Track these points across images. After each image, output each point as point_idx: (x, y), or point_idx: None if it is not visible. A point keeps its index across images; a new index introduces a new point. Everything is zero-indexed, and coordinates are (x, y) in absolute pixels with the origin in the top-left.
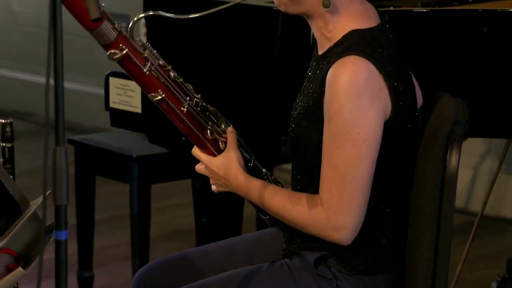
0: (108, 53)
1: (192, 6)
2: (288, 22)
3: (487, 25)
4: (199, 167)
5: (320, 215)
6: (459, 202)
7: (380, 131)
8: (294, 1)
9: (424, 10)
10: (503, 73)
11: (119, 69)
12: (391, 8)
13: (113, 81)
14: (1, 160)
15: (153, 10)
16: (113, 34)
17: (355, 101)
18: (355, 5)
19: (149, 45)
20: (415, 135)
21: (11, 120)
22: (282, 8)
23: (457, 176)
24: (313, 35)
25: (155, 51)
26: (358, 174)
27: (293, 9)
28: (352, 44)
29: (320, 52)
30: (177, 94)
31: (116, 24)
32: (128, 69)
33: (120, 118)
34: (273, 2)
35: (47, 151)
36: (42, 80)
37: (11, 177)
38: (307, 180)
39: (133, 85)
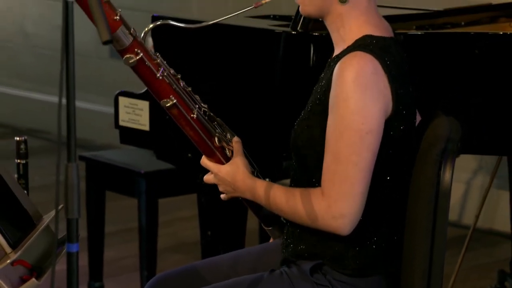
0: (124, 58)
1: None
2: (289, 44)
3: (479, 47)
4: (207, 177)
5: (321, 204)
6: (453, 215)
7: (382, 126)
8: (313, 1)
9: (419, 33)
10: (494, 93)
11: (128, 89)
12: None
13: (122, 100)
14: (16, 175)
15: (157, 39)
16: (129, 39)
17: (362, 93)
18: (371, 14)
19: (159, 55)
20: (411, 145)
21: (26, 137)
22: (305, 9)
23: (450, 190)
24: (313, 56)
25: (165, 62)
26: (360, 163)
27: (314, 8)
28: (363, 45)
29: (334, 55)
30: (187, 101)
31: (132, 30)
32: (142, 74)
33: (129, 135)
34: (275, 25)
35: (60, 167)
36: (55, 99)
37: (25, 191)
38: (304, 175)
39: (142, 104)
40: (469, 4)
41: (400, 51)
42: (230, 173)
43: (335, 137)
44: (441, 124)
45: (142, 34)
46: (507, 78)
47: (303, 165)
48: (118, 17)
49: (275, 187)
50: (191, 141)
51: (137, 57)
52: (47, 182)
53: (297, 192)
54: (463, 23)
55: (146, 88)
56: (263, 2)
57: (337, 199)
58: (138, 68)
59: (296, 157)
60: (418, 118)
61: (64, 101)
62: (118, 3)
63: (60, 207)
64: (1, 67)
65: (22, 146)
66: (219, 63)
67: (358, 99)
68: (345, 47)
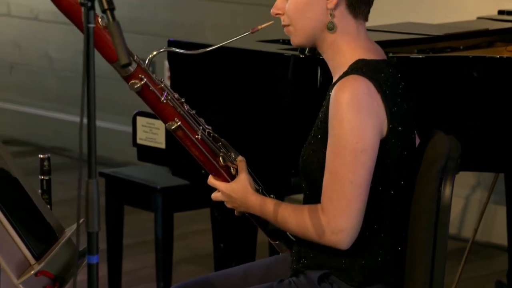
0: (129, 83)
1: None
2: (298, 67)
3: (477, 70)
4: (215, 195)
5: (320, 220)
6: (452, 229)
7: (377, 144)
8: (304, 33)
9: (420, 56)
10: (492, 113)
11: (145, 109)
12: (391, 54)
13: (140, 120)
14: (40, 191)
15: (174, 62)
16: (133, 66)
17: (355, 114)
18: (362, 38)
19: (163, 80)
20: (411, 164)
21: (49, 155)
22: (295, 41)
23: (450, 205)
24: (320, 78)
25: (169, 86)
26: (356, 180)
27: (304, 39)
28: (356, 68)
29: (333, 82)
30: (192, 122)
31: (135, 56)
32: (146, 98)
33: (146, 153)
34: (284, 49)
35: (81, 183)
36: (77, 119)
37: (48, 206)
38: (315, 196)
39: (158, 124)
40: (467, 29)
41: (394, 72)
42: (235, 190)
43: (332, 156)
44: (441, 142)
45: (147, 61)
46: (504, 99)
47: (313, 188)
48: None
49: (278, 204)
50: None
51: (142, 82)
52: (69, 197)
53: (300, 208)
54: (461, 47)
55: None
56: (259, 28)
57: (336, 215)
58: (143, 93)
59: (306, 181)
60: (417, 140)
61: (85, 120)
62: (138, 28)
63: (81, 221)
64: (26, 89)
65: (46, 163)
66: (232, 84)
67: (352, 120)
68: (341, 73)
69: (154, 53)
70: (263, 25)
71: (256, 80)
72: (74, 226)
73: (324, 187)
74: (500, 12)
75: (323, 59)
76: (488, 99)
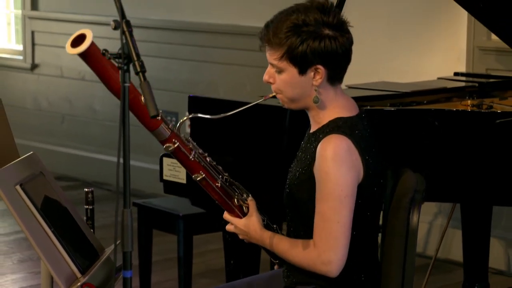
0: (164, 146)
1: (226, 105)
2: (293, 117)
3: (438, 120)
4: (228, 227)
5: (312, 253)
6: (419, 248)
7: (355, 189)
8: (293, 101)
9: (392, 109)
10: (450, 155)
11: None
12: (368, 107)
13: (165, 160)
14: (85, 218)
15: (194, 112)
16: (168, 133)
17: (338, 168)
18: (338, 99)
19: (190, 139)
20: (381, 198)
21: (92, 189)
22: (285, 106)
23: (417, 229)
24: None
25: (195, 143)
26: (342, 220)
27: (293, 106)
28: (336, 127)
29: (311, 131)
30: (213, 174)
31: (170, 125)
32: (178, 157)
33: (170, 187)
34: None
35: (118, 211)
36: (115, 159)
37: (92, 230)
38: (297, 223)
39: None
40: (430, 87)
41: (366, 124)
42: (245, 226)
43: (321, 202)
44: (409, 178)
45: (178, 125)
46: (459, 143)
47: (295, 212)
48: (159, 117)
49: (277, 238)
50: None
51: (175, 146)
52: (108, 223)
53: (294, 243)
54: (425, 102)
55: None
56: (270, 96)
57: (325, 250)
58: (176, 153)
59: (291, 212)
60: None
61: (121, 160)
62: (165, 86)
63: (118, 242)
64: (75, 135)
65: (90, 195)
66: (240, 131)
67: (336, 173)
68: (320, 125)
69: (184, 118)
70: (271, 95)
71: (260, 128)
72: (112, 247)
73: (315, 226)
74: (456, 74)
75: None
76: (447, 143)
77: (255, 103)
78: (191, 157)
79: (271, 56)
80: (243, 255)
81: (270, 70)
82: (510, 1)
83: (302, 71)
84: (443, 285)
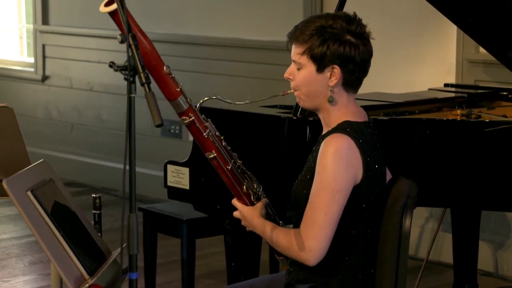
0: (181, 118)
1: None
2: (292, 126)
3: (429, 129)
4: (235, 213)
5: (298, 240)
6: (411, 251)
7: (350, 188)
8: (309, 97)
9: (386, 118)
10: (441, 162)
11: (174, 159)
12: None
13: (169, 167)
14: (93, 222)
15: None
16: (186, 106)
17: (336, 163)
18: (350, 105)
19: (210, 121)
20: (380, 201)
21: (100, 194)
22: (301, 103)
23: (410, 233)
24: (308, 135)
25: (213, 126)
26: (329, 213)
27: (308, 104)
28: (342, 128)
29: (322, 134)
30: (225, 156)
31: (189, 99)
32: (193, 132)
33: (174, 192)
34: (282, 112)
35: (124, 216)
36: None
37: (99, 234)
38: (299, 221)
39: (184, 170)
40: (421, 97)
41: (372, 131)
42: (248, 213)
43: (315, 193)
44: (403, 184)
45: (198, 104)
46: (450, 151)
47: (298, 216)
48: (179, 89)
49: (273, 228)
50: (226, 186)
51: (190, 119)
52: (114, 227)
53: (286, 231)
54: (417, 111)
55: (187, 158)
56: (289, 92)
57: (308, 238)
58: (190, 127)
59: (296, 210)
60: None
61: (127, 167)
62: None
63: (124, 245)
64: (83, 143)
65: (97, 201)
66: (241, 139)
67: (333, 167)
68: (330, 129)
69: (206, 98)
70: (289, 91)
71: (260, 136)
72: (119, 249)
73: (305, 214)
74: (446, 85)
75: (311, 120)
76: (438, 151)
77: (273, 96)
78: (204, 134)
79: (294, 52)
80: (243, 257)
81: (291, 68)
82: (496, 17)
83: (320, 69)
84: (434, 285)
